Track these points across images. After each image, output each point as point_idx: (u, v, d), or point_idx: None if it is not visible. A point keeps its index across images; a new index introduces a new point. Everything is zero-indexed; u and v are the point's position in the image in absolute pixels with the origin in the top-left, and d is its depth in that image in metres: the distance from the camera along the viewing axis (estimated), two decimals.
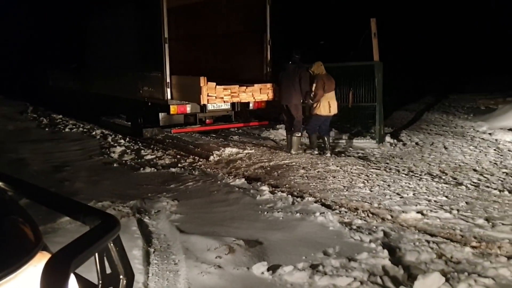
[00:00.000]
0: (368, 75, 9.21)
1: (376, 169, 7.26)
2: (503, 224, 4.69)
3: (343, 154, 8.47)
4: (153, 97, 9.11)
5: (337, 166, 7.38)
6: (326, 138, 8.41)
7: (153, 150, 8.90)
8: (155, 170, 7.44)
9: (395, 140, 9.42)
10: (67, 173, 7.31)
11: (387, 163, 7.71)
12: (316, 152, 8.38)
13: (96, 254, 1.51)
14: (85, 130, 11.25)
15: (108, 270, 1.58)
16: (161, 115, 9.10)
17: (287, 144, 8.76)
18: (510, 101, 11.97)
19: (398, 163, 7.73)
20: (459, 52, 21.10)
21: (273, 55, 9.73)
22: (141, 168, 7.47)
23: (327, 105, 8.22)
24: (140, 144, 9.41)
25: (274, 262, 3.87)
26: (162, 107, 8.89)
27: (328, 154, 8.22)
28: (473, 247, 4.16)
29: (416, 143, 9.24)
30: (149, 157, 8.33)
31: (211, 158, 8.15)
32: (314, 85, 8.15)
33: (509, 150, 8.18)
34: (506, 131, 9.47)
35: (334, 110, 8.37)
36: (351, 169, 7.22)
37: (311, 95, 8.19)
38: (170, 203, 5.58)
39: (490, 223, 4.72)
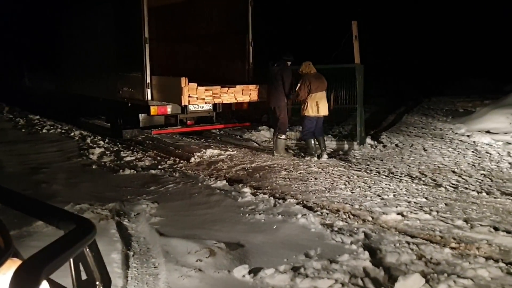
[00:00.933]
0: (350, 77, 9.26)
1: (357, 170, 7.30)
2: (481, 225, 4.74)
3: (323, 155, 8.48)
4: (133, 97, 9.00)
5: (319, 168, 7.40)
6: (320, 140, 8.24)
7: (133, 151, 8.79)
8: (135, 172, 7.34)
9: (375, 142, 9.48)
10: (44, 175, 7.16)
11: (368, 165, 7.76)
12: (315, 158, 8.03)
13: (71, 260, 1.45)
14: (63, 131, 11.06)
15: (84, 276, 1.53)
16: (141, 116, 9.00)
17: (273, 145, 8.67)
18: (488, 103, 12.18)
19: (379, 164, 7.78)
20: (439, 56, 21.42)
21: (255, 56, 9.71)
22: (121, 170, 7.37)
23: (315, 106, 8.02)
24: (119, 145, 9.29)
25: (255, 265, 3.83)
26: (142, 108, 8.79)
27: (325, 157, 8.00)
28: (452, 248, 4.19)
29: (396, 145, 9.32)
30: (128, 158, 8.23)
31: (192, 159, 8.08)
32: (298, 84, 8.03)
33: (486, 152, 8.30)
34: (484, 133, 9.62)
35: (323, 111, 8.15)
36: (332, 170, 7.24)
37: (294, 95, 8.13)
38: (150, 206, 5.51)
39: (469, 224, 4.77)
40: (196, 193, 6.08)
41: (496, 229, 4.62)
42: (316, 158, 7.99)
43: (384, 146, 9.26)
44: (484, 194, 5.93)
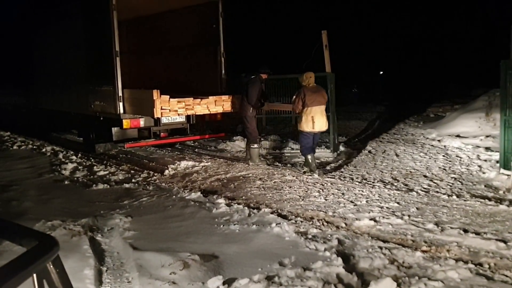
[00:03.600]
0: (321, 86, 9.37)
1: (331, 177, 7.38)
2: (451, 227, 4.84)
3: (299, 164, 8.55)
4: (105, 111, 8.92)
5: (293, 176, 7.45)
6: (312, 157, 7.72)
7: (106, 165, 8.69)
8: (108, 186, 7.26)
9: (349, 149, 9.62)
10: (14, 192, 7.01)
11: (342, 172, 7.85)
12: (315, 175, 7.44)
13: (35, 277, 1.44)
14: (34, 147, 10.86)
15: None
16: (114, 129, 8.91)
17: (245, 155, 8.76)
18: (457, 108, 12.50)
19: (352, 171, 7.88)
20: (411, 63, 21.89)
21: (227, 67, 9.75)
22: (94, 185, 7.27)
23: (310, 121, 7.43)
24: (92, 160, 9.17)
25: (229, 276, 3.83)
26: (115, 121, 8.71)
27: (316, 175, 7.46)
28: (423, 251, 4.27)
29: (369, 151, 9.47)
30: (102, 173, 8.13)
31: (166, 172, 8.04)
32: (294, 97, 7.62)
33: (457, 156, 8.51)
34: (454, 138, 9.86)
35: (319, 126, 7.53)
36: (306, 178, 7.30)
37: (292, 108, 7.73)
38: (123, 220, 5.45)
39: (440, 227, 4.87)
40: (170, 205, 6.04)
41: (465, 231, 4.72)
42: (316, 175, 7.43)
43: (357, 152, 9.39)
44: (454, 197, 6.07)
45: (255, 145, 8.46)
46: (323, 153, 9.36)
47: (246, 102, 8.35)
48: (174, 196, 6.47)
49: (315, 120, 7.46)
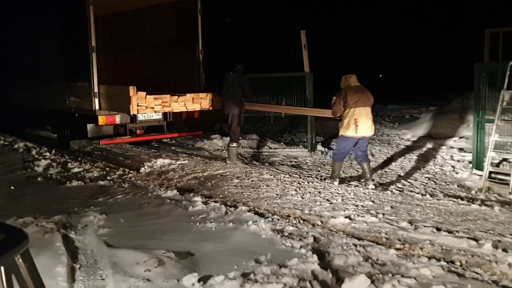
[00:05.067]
0: (300, 85, 9.44)
1: (308, 176, 7.42)
2: (424, 226, 4.92)
3: (276, 163, 8.57)
4: (81, 107, 8.77)
5: (271, 175, 7.45)
6: (365, 166, 6.84)
7: (81, 162, 8.55)
8: (83, 183, 7.15)
9: (326, 149, 9.68)
10: None
11: (319, 171, 7.91)
12: (336, 183, 6.84)
13: (3, 270, 1.41)
14: (6, 143, 10.60)
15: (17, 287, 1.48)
16: (89, 126, 8.76)
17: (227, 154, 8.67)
18: (432, 110, 12.70)
19: (329, 170, 7.92)
20: (389, 65, 22.19)
21: (206, 64, 9.71)
22: (68, 182, 7.15)
23: (353, 123, 6.58)
24: (67, 156, 9.01)
25: (205, 273, 3.81)
26: (90, 118, 8.57)
27: (371, 186, 6.67)
28: (397, 249, 4.33)
29: None
30: (76, 170, 7.99)
31: (142, 170, 7.95)
32: (334, 98, 6.78)
33: (431, 156, 8.65)
34: (428, 138, 10.03)
35: (364, 131, 6.64)
36: (284, 177, 7.31)
37: (332, 112, 6.94)
38: (97, 217, 5.36)
39: (413, 226, 4.94)
40: (145, 203, 5.98)
41: (438, 229, 4.81)
42: (336, 183, 6.83)
43: None
44: (428, 196, 6.17)
45: (234, 144, 8.43)
46: (301, 153, 9.42)
47: (236, 100, 8.23)
48: (150, 194, 6.40)
49: (359, 123, 6.57)
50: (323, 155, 9.22)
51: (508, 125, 6.86)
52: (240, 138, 8.84)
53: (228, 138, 8.79)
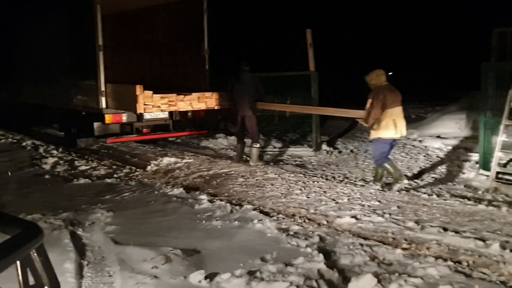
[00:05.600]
0: (305, 84, 9.43)
1: (313, 176, 7.42)
2: (431, 226, 4.92)
3: (281, 162, 8.58)
4: (87, 106, 8.83)
5: (276, 174, 7.46)
6: (392, 164, 6.57)
7: (88, 160, 8.60)
8: (90, 181, 7.20)
9: (331, 148, 9.68)
10: None
11: (324, 170, 7.90)
12: (378, 186, 6.52)
13: (18, 264, 1.43)
14: (14, 140, 10.68)
15: (32, 281, 1.51)
16: (95, 124, 8.84)
17: (237, 155, 8.53)
18: (438, 109, 12.66)
19: (334, 170, 7.94)
20: (395, 64, 22.12)
21: (211, 64, 9.73)
22: (75, 179, 7.20)
23: (392, 124, 6.27)
24: (74, 154, 9.07)
25: (211, 270, 3.83)
26: (97, 116, 8.63)
27: (405, 181, 6.40)
28: (403, 249, 4.33)
29: (351, 151, 9.54)
30: (83, 168, 8.04)
31: (149, 168, 7.99)
32: (370, 100, 6.28)
33: (437, 156, 8.63)
34: (434, 138, 9.99)
35: (402, 131, 6.42)
36: (289, 176, 7.32)
37: (365, 115, 6.37)
38: (105, 215, 5.40)
39: (420, 226, 4.94)
40: (152, 201, 6.01)
41: (445, 229, 4.80)
42: (405, 181, 6.43)
43: (340, 152, 9.46)
44: (434, 196, 6.16)
45: (257, 145, 8.29)
46: (305, 152, 9.42)
47: (253, 100, 8.13)
48: (156, 192, 6.44)
49: (398, 123, 6.32)
50: (328, 154, 9.22)
51: None
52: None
53: (233, 137, 8.78)
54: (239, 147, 8.50)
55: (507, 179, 6.39)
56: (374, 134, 6.40)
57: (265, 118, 12.66)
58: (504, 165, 6.67)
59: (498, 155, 6.41)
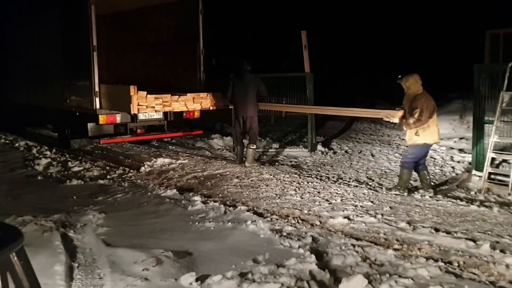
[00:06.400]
0: (300, 85, 9.43)
1: (307, 176, 7.42)
2: (423, 226, 4.93)
3: (276, 163, 8.58)
4: (81, 106, 8.80)
5: (270, 175, 7.46)
6: (426, 173, 6.49)
7: (81, 161, 8.57)
8: (83, 182, 7.17)
9: (326, 149, 9.68)
10: None
11: (318, 171, 7.91)
12: (405, 194, 6.30)
13: None
14: (7, 141, 10.64)
15: (12, 286, 1.49)
16: (89, 125, 8.80)
17: (237, 157, 8.47)
18: None
19: (329, 170, 7.94)
20: (390, 66, 22.12)
21: (207, 64, 9.72)
22: (68, 181, 7.17)
23: (437, 130, 6.29)
24: (67, 155, 9.03)
25: (203, 272, 3.82)
26: (91, 117, 8.60)
27: (405, 194, 6.30)
28: (395, 249, 4.33)
29: (346, 151, 9.55)
30: (76, 169, 8.02)
31: (142, 169, 7.97)
32: (418, 110, 6.10)
33: (431, 157, 8.61)
34: None
35: (439, 135, 6.48)
36: (283, 177, 7.32)
37: (413, 122, 6.16)
38: (97, 216, 5.38)
39: (412, 226, 4.95)
40: (145, 202, 5.99)
41: (437, 230, 4.81)
42: (405, 194, 6.31)
43: (334, 152, 9.47)
44: (426, 197, 6.17)
45: (254, 146, 8.28)
46: (301, 153, 9.42)
47: (255, 101, 8.10)
48: (149, 193, 6.42)
49: (439, 128, 6.41)
50: (323, 155, 9.22)
51: (507, 126, 6.85)
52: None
53: (229, 138, 8.75)
54: (239, 149, 8.43)
55: (499, 180, 6.41)
56: (420, 140, 6.24)
57: (261, 118, 12.64)
58: (497, 166, 6.69)
59: (491, 156, 6.44)
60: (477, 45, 12.90)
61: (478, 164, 6.93)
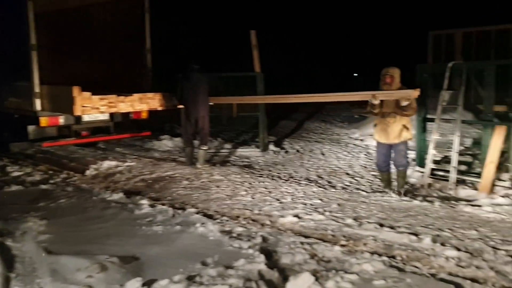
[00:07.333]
0: (251, 85, 9.44)
1: (259, 176, 7.44)
2: (368, 222, 5.04)
3: (228, 163, 8.54)
4: (21, 108, 8.42)
5: (222, 176, 7.41)
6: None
7: (21, 166, 8.18)
8: (23, 187, 6.84)
9: (278, 148, 9.76)
10: None
11: (270, 171, 7.94)
12: (394, 195, 6.20)
13: None
14: None
15: None
16: (30, 128, 8.40)
17: (187, 158, 8.29)
18: None
19: (280, 170, 8.00)
20: (334, 66, 22.59)
21: (153, 64, 9.52)
22: (6, 186, 6.81)
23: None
24: (6, 160, 8.59)
25: (149, 277, 3.72)
26: (31, 119, 8.22)
27: (394, 195, 6.22)
28: (342, 245, 4.40)
29: (297, 150, 9.66)
30: (16, 174, 7.65)
31: (87, 172, 7.70)
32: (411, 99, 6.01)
33: (373, 154, 8.88)
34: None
35: None
36: (235, 177, 7.29)
37: (413, 109, 6.11)
38: (38, 223, 5.12)
39: (358, 222, 5.05)
40: (90, 207, 5.78)
41: (381, 225, 4.93)
42: (394, 195, 6.20)
43: (286, 152, 9.56)
44: (372, 193, 6.33)
45: (206, 147, 8.19)
46: (253, 152, 9.44)
47: (205, 101, 7.98)
48: (94, 197, 6.20)
49: None
50: (275, 154, 9.29)
51: (448, 124, 7.14)
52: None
53: (179, 139, 8.62)
54: (189, 150, 8.25)
55: (441, 175, 6.67)
56: (409, 135, 6.20)
57: (212, 118, 12.55)
58: (438, 162, 6.96)
59: (432, 153, 6.68)
60: (421, 45, 13.40)
61: (421, 161, 7.18)
